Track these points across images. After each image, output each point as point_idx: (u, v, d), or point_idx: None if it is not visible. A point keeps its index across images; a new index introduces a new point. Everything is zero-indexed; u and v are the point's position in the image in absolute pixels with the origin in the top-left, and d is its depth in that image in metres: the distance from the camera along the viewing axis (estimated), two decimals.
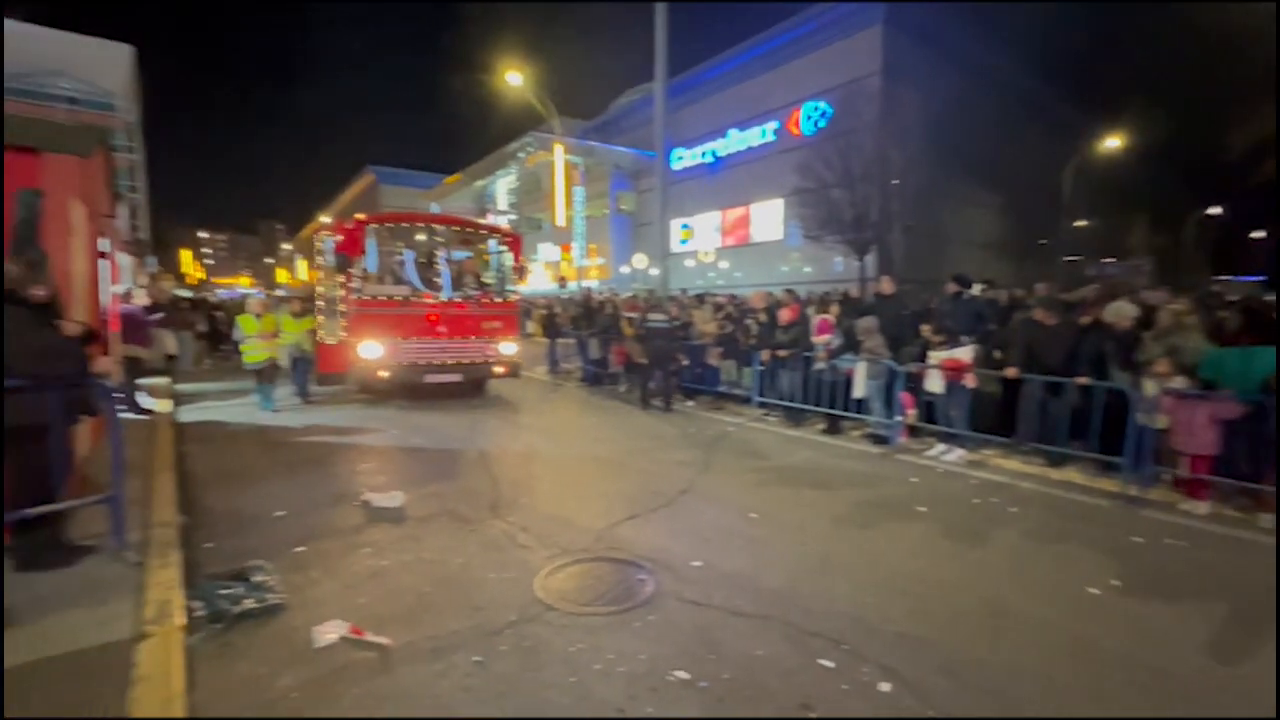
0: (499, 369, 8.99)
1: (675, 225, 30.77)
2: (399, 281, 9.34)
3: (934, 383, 6.32)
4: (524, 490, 5.00)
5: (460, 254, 10.18)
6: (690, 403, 9.24)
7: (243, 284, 69.40)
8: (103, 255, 6.15)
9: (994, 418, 6.51)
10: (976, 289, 9.09)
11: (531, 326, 17.08)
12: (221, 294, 25.96)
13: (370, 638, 2.76)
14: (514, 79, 21.19)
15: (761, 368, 8.07)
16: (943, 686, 2.50)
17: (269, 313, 8.34)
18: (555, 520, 4.31)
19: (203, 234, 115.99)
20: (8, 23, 25.16)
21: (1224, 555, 3.92)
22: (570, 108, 36.50)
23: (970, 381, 6.08)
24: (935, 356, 6.28)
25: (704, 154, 31.07)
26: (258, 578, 3.24)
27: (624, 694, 2.43)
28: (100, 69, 27.70)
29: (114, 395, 3.59)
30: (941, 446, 6.32)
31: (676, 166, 31.03)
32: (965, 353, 6.11)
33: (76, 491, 3.56)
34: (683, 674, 2.55)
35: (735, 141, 29.39)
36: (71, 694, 2.29)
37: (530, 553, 3.76)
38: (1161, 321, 5.44)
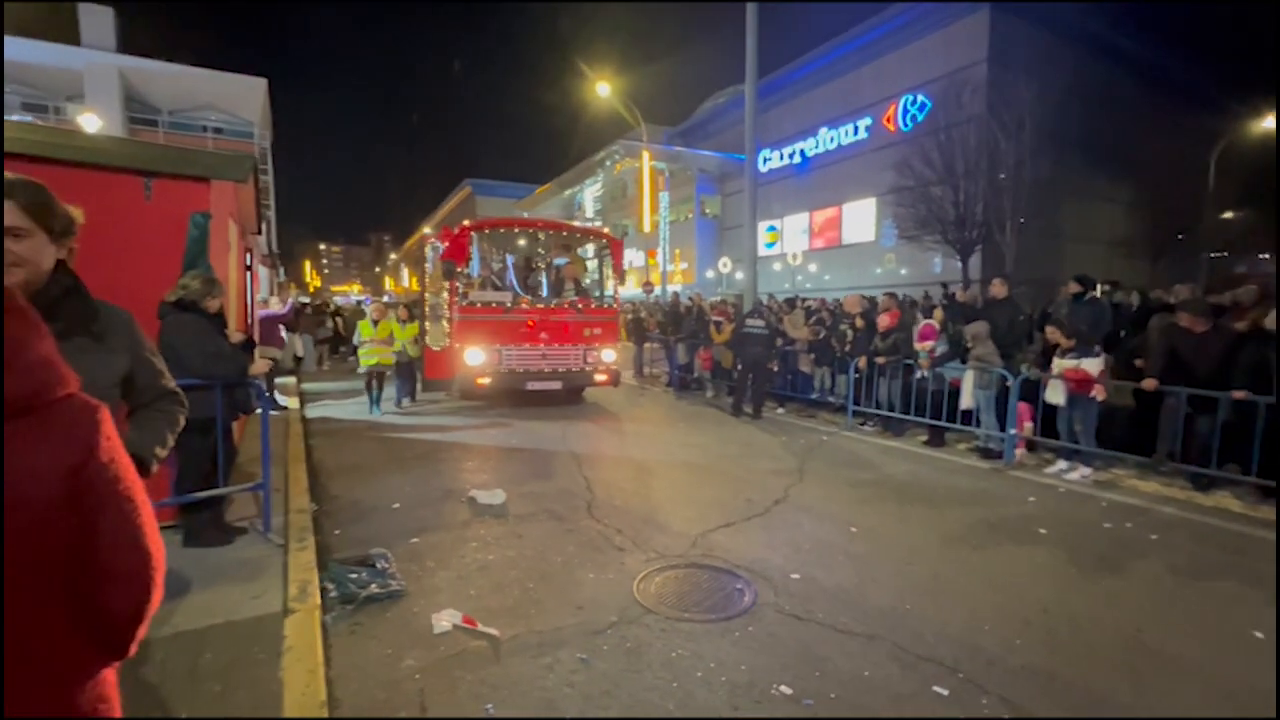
0: (600, 377, 8.88)
1: (761, 228, 30.21)
2: (502, 288, 9.47)
3: (1055, 393, 5.81)
4: (617, 493, 5.10)
5: (561, 259, 10.14)
6: (781, 410, 9.05)
7: (355, 291, 75.60)
8: (249, 268, 6.92)
9: (1126, 433, 5.90)
10: (1099, 291, 8.29)
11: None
12: (339, 300, 28.38)
13: (481, 628, 2.92)
14: (603, 90, 21.73)
15: (857, 375, 7.76)
16: None
17: (384, 319, 8.67)
18: (649, 524, 4.36)
19: (322, 245, 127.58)
20: (169, 66, 28.96)
21: None
22: (656, 114, 36.96)
23: (1100, 393, 5.53)
24: (1060, 364, 5.77)
25: (792, 154, 30.34)
26: (380, 564, 3.52)
27: (727, 703, 2.42)
28: (240, 101, 31.25)
29: (264, 395, 4.03)
30: (1063, 464, 5.80)
31: (763, 169, 30.50)
32: (1094, 364, 5.56)
33: (231, 480, 4.01)
34: (786, 689, 2.50)
35: (825, 140, 28.47)
36: (235, 657, 2.58)
37: (626, 555, 3.82)
38: None
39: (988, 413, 6.39)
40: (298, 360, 12.91)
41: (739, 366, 8.88)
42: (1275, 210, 20.63)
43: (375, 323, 8.46)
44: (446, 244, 8.59)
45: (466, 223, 8.98)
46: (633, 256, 39.19)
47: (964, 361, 6.64)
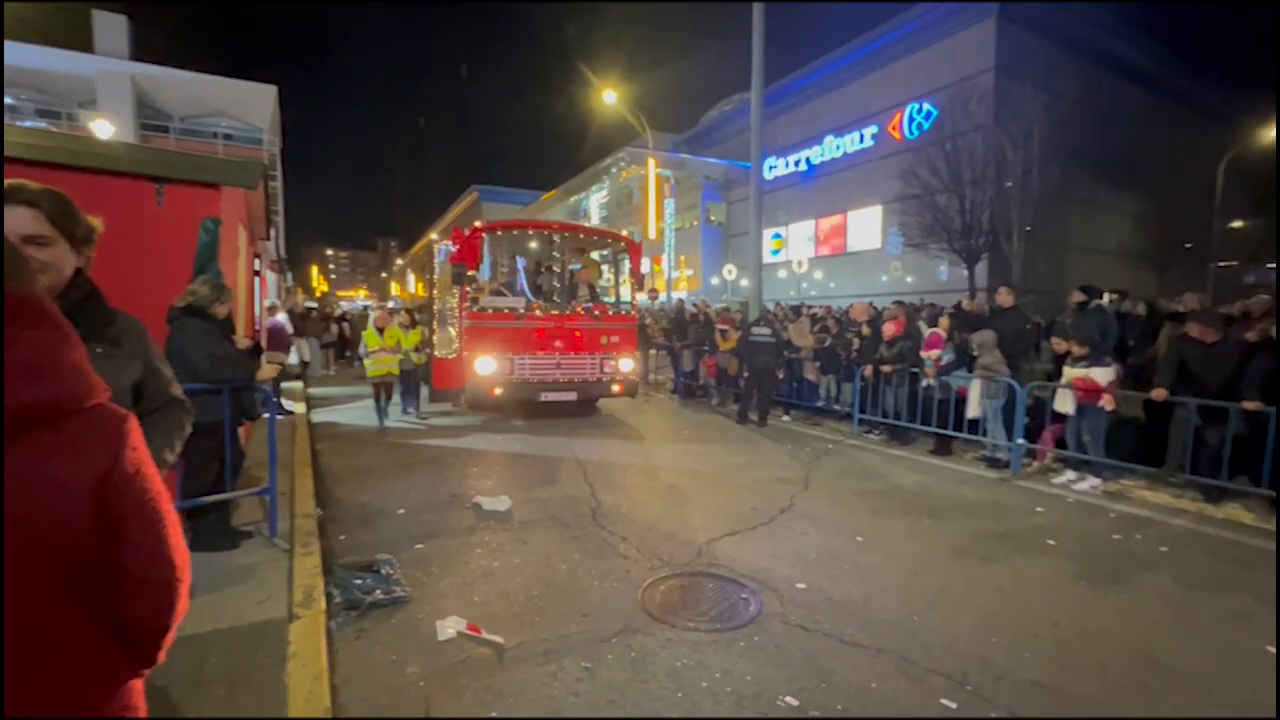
0: (616, 387, 8.43)
1: (766, 235, 30.25)
2: (514, 293, 9.05)
3: (1064, 402, 5.77)
4: (622, 500, 5.08)
5: (577, 263, 9.68)
6: (786, 417, 9.02)
7: (361, 295, 76.01)
8: (257, 273, 6.97)
9: (1135, 444, 5.85)
10: (1106, 300, 8.25)
11: None
12: (344, 305, 28.52)
13: (486, 635, 2.91)
14: (609, 97, 21.85)
15: (863, 383, 7.73)
16: None
17: (389, 326, 8.34)
18: (654, 532, 4.34)
19: (329, 251, 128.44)
20: (181, 73, 29.30)
21: None
22: (662, 121, 37.08)
23: (1109, 403, 5.49)
24: (1070, 373, 5.73)
25: (798, 162, 30.38)
26: (385, 570, 3.52)
27: (732, 715, 2.40)
28: (250, 108, 31.56)
29: (270, 400, 4.05)
30: (1071, 474, 5.76)
31: (769, 176, 30.55)
32: (1103, 374, 5.52)
33: (237, 485, 4.02)
34: (792, 700, 2.48)
35: (831, 148, 28.50)
36: (239, 663, 2.58)
37: (631, 563, 3.81)
38: None
39: (994, 422, 6.35)
40: (304, 365, 12.98)
41: (745, 374, 8.86)
42: (1276, 220, 20.53)
43: (381, 330, 8.19)
44: (456, 247, 8.07)
45: (478, 224, 8.56)
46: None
47: (970, 370, 6.61)
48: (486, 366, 7.76)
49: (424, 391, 9.04)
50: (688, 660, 2.76)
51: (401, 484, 5.49)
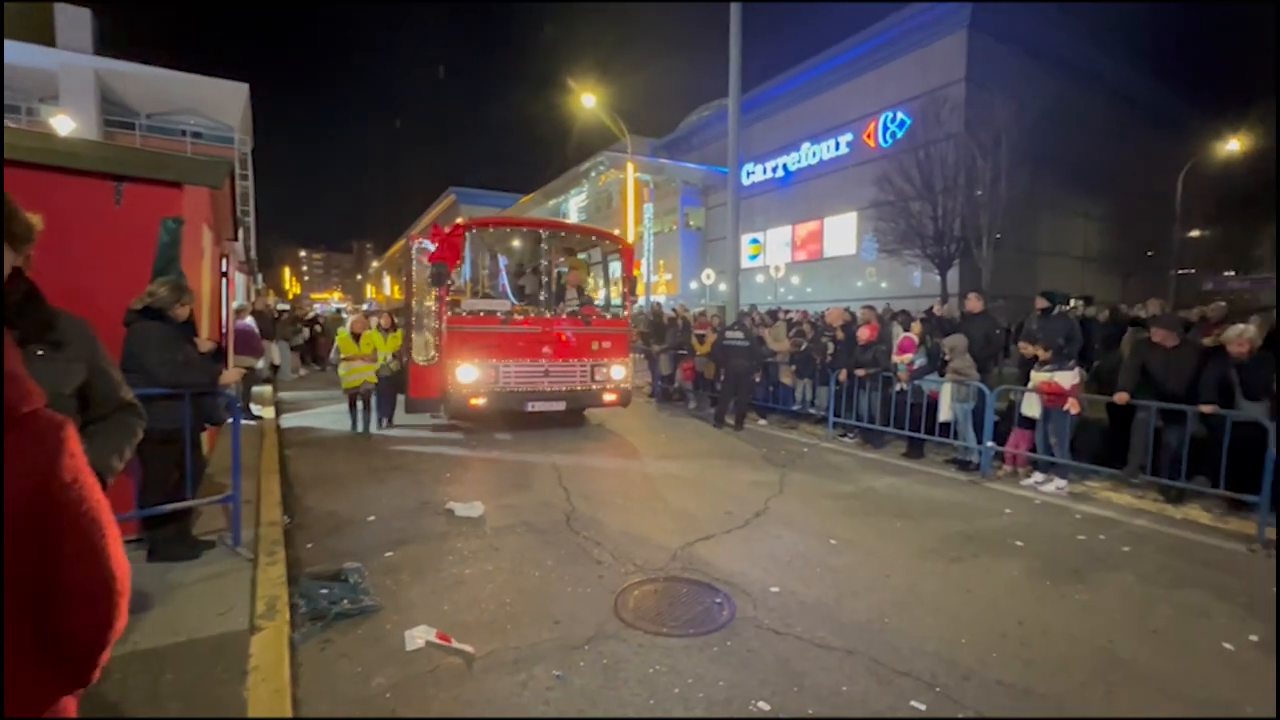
0: (608, 396, 7.94)
1: (744, 240, 30.51)
2: (498, 296, 8.57)
3: (1031, 406, 5.91)
4: (597, 505, 5.05)
5: (566, 264, 9.16)
6: (763, 421, 9.08)
7: (336, 298, 74.70)
8: (224, 275, 6.79)
9: (1100, 446, 6.01)
10: (1071, 305, 8.48)
11: None
12: (318, 308, 27.98)
13: (456, 644, 2.85)
14: (588, 101, 21.85)
15: (838, 387, 7.82)
16: None
17: (366, 331, 7.81)
18: (629, 537, 4.32)
19: (302, 252, 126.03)
20: (148, 69, 28.55)
21: None
22: (641, 126, 37.16)
23: (1074, 406, 5.63)
24: (1036, 377, 5.87)
25: (775, 168, 30.72)
26: (353, 579, 3.44)
27: (706, 716, 2.39)
28: (221, 106, 30.88)
29: (235, 405, 3.93)
30: (1039, 476, 5.88)
31: (747, 181, 30.83)
32: (1068, 377, 5.67)
33: (199, 492, 3.90)
34: (764, 705, 2.48)
35: (807, 155, 28.89)
36: (197, 678, 2.49)
37: (605, 568, 3.78)
38: None
39: (965, 425, 6.47)
40: (274, 369, 12.69)
41: (721, 378, 8.89)
42: (1277, 223, 21.31)
43: (357, 336, 7.64)
44: (436, 245, 7.46)
45: (460, 220, 7.98)
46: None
47: (942, 374, 6.73)
48: (468, 374, 7.24)
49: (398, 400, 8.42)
50: (660, 666, 2.74)
51: (372, 490, 5.39)
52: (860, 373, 7.45)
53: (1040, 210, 23.47)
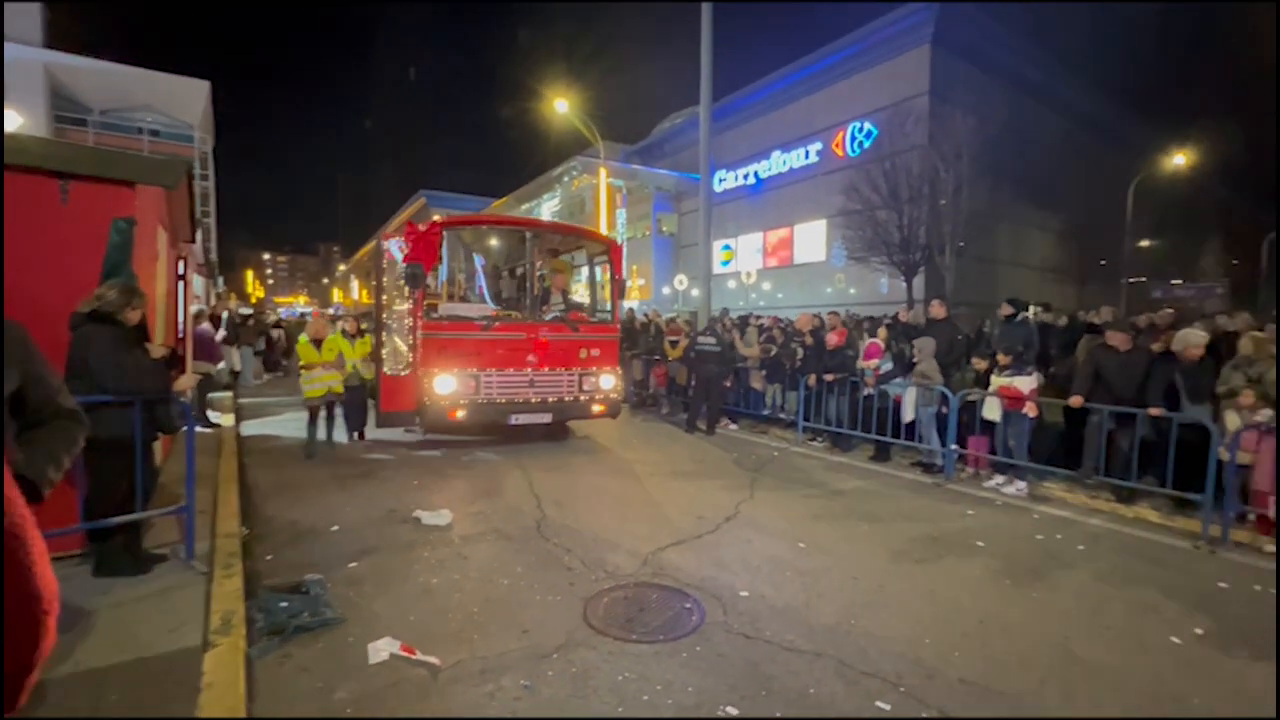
0: (597, 408, 7.43)
1: (717, 246, 30.80)
2: (477, 300, 8.09)
3: (992, 409, 6.08)
4: (568, 511, 5.01)
5: (551, 266, 8.64)
6: (733, 426, 9.14)
7: (301, 302, 72.85)
8: (181, 278, 6.56)
9: (1057, 449, 6.21)
10: (1032, 312, 8.76)
11: None
12: (283, 312, 27.23)
13: (420, 656, 2.79)
14: (561, 105, 21.81)
15: (807, 391, 7.93)
16: None
17: (331, 336, 7.10)
18: (600, 543, 4.29)
19: (266, 255, 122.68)
20: (102, 64, 27.53)
21: None
22: (614, 132, 37.23)
23: (1031, 410, 5.82)
24: (996, 381, 6.04)
25: (746, 176, 31.12)
26: (315, 591, 3.34)
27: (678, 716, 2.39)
28: (180, 103, 29.95)
29: (189, 412, 3.79)
30: (1000, 478, 6.05)
31: (719, 188, 31.15)
32: (1026, 382, 5.85)
33: (152, 502, 3.75)
34: (733, 710, 2.49)
35: (778, 163, 29.33)
36: (145, 697, 2.38)
37: (576, 575, 3.75)
38: (1243, 349, 5.10)
39: (929, 428, 6.62)
40: (234, 375, 12.31)
41: (693, 383, 8.92)
42: (1277, 227, 22.40)
43: (318, 343, 6.87)
44: (411, 244, 6.89)
45: (437, 217, 7.39)
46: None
47: (907, 378, 6.88)
48: (446, 385, 6.69)
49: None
50: (630, 673, 2.73)
51: (336, 499, 5.25)
52: (829, 377, 7.56)
53: (1000, 220, 24.28)
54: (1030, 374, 5.94)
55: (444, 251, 7.51)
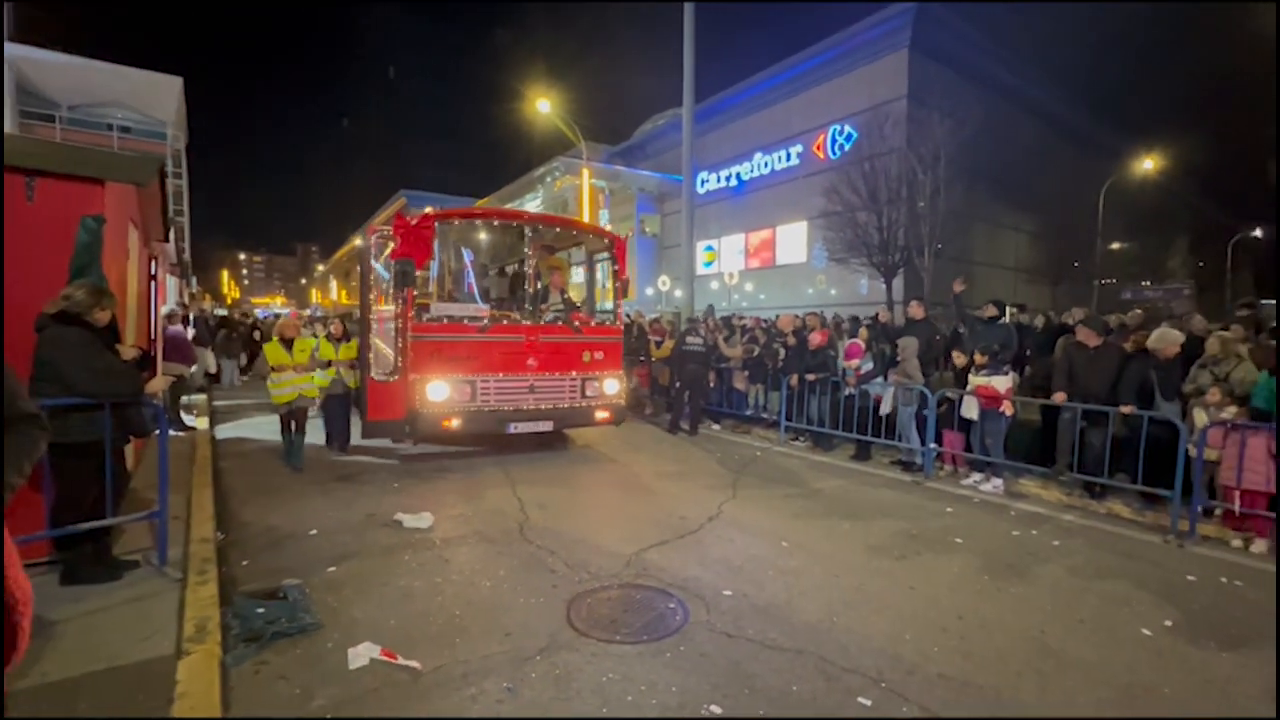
0: (601, 414, 6.98)
1: (699, 248, 30.92)
2: (470, 299, 7.60)
3: (970, 408, 6.18)
4: (550, 513, 4.99)
5: (551, 264, 7.98)
6: (716, 426, 9.18)
7: (278, 303, 71.55)
8: (153, 278, 6.41)
9: (1032, 446, 6.34)
10: (1008, 314, 8.93)
11: None
12: (260, 313, 26.72)
13: (401, 661, 2.76)
14: (543, 106, 21.73)
15: (790, 391, 7.99)
16: None
17: (304, 337, 6.61)
18: (583, 544, 4.28)
19: (241, 255, 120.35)
20: (70, 58, 26.79)
21: None
22: (597, 133, 37.26)
23: (1008, 409, 5.93)
24: (974, 381, 6.14)
25: (729, 177, 31.30)
26: (293, 597, 3.28)
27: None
28: (153, 100, 29.29)
29: (162, 415, 3.70)
30: (977, 475, 6.15)
31: (701, 190, 31.29)
32: (1002, 382, 5.96)
33: (123, 507, 3.66)
34: (716, 709, 2.50)
35: (760, 165, 29.56)
36: (116, 707, 2.32)
37: (559, 577, 3.74)
38: (1210, 349, 5.25)
39: (908, 427, 6.71)
40: (209, 377, 12.06)
41: (677, 384, 8.95)
42: (1277, 229, 23.08)
43: (288, 343, 6.32)
44: (400, 238, 6.33)
45: (429, 210, 6.81)
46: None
47: (887, 378, 6.97)
48: (439, 392, 6.21)
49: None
50: (613, 674, 2.72)
51: (315, 503, 5.17)
52: (811, 377, 7.63)
53: (976, 222, 24.71)
54: (1006, 374, 6.06)
55: (438, 247, 7.08)
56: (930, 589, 3.69)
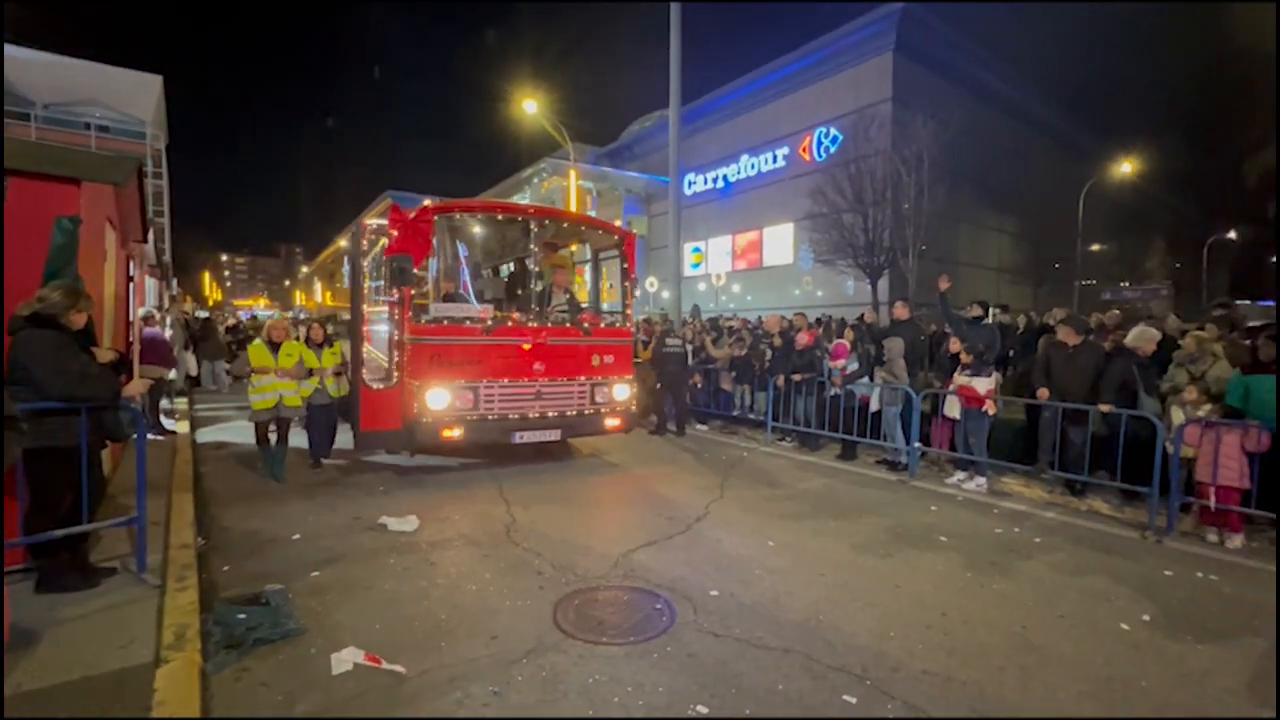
0: (611, 421, 6.59)
1: (686, 249, 31.02)
2: (471, 299, 7.19)
3: (954, 407, 6.25)
4: (538, 515, 4.97)
5: (558, 261, 7.66)
6: (703, 427, 9.21)
7: (261, 305, 70.58)
8: (130, 279, 6.30)
9: (1014, 445, 6.42)
10: (991, 315, 9.05)
11: None
12: (242, 315, 26.35)
13: (386, 665, 2.74)
14: (530, 107, 21.67)
15: (776, 392, 8.03)
16: None
17: (288, 340, 6.15)
18: (570, 546, 4.27)
19: (224, 256, 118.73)
20: (46, 55, 26.28)
21: (1259, 591, 3.80)
22: (584, 134, 37.19)
23: (990, 409, 6.00)
24: (958, 380, 6.21)
25: (715, 179, 31.43)
26: (275, 602, 3.24)
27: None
28: (132, 98, 28.78)
29: (140, 419, 3.64)
30: (961, 474, 6.22)
31: (688, 191, 31.40)
32: (984, 383, 6.03)
33: (100, 513, 3.59)
34: (703, 709, 2.50)
35: (746, 167, 29.73)
36: (93, 717, 2.28)
37: (546, 579, 3.72)
38: (1186, 347, 5.35)
39: (893, 427, 6.77)
40: (191, 380, 11.88)
41: (660, 385, 8.96)
42: (1276, 230, 23.51)
43: (275, 346, 5.98)
44: (397, 233, 5.90)
45: (428, 202, 6.33)
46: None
47: (873, 379, 7.03)
48: (440, 399, 5.80)
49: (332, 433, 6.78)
50: (600, 676, 2.72)
51: (298, 507, 5.10)
52: (797, 377, 7.67)
53: (959, 224, 25.04)
54: (989, 375, 6.13)
55: (437, 242, 6.67)
56: (915, 586, 3.73)
